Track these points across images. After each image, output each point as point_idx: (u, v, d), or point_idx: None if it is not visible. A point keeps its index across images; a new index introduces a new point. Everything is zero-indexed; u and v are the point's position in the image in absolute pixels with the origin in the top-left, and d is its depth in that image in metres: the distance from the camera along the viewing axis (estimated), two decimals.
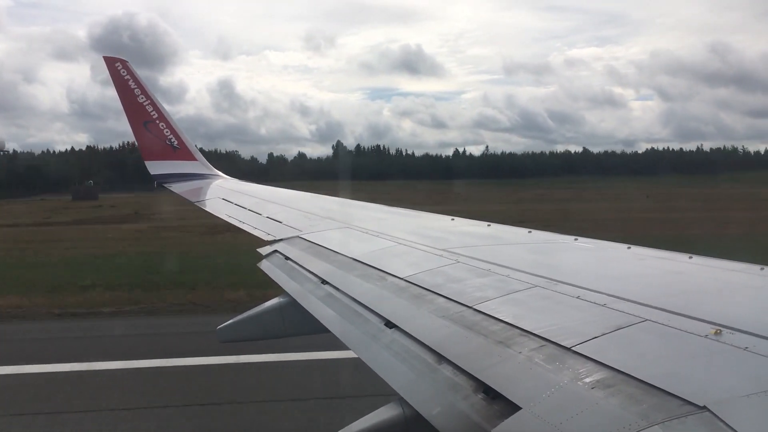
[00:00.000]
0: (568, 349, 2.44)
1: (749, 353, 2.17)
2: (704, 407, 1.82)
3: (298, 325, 4.74)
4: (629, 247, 4.29)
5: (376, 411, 2.95)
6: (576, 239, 4.72)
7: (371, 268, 4.36)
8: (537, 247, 4.80)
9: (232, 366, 12.08)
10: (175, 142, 12.22)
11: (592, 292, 3.05)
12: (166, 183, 12.08)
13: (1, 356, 13.12)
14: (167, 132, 12.15)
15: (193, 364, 12.39)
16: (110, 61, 11.83)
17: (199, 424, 9.90)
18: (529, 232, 5.21)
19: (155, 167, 12.11)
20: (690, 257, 3.84)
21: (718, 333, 2.34)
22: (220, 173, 12.99)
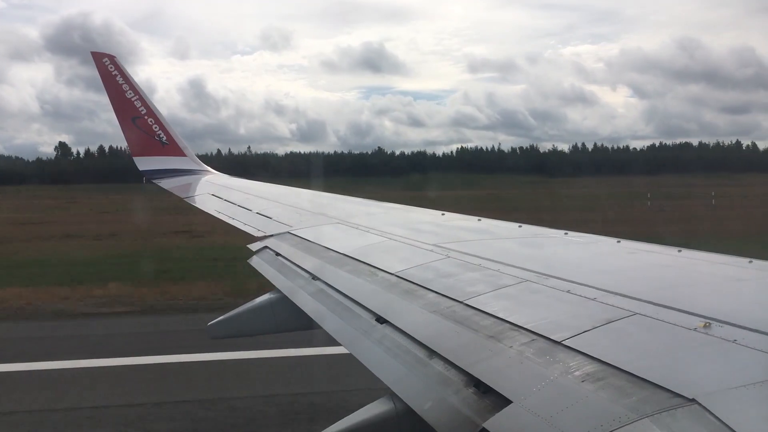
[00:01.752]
0: (559, 342, 2.45)
1: (738, 345, 2.18)
2: (693, 400, 1.83)
3: (289, 322, 4.73)
4: (619, 241, 4.31)
5: (368, 406, 2.94)
6: (566, 233, 4.74)
7: (362, 264, 4.35)
8: (527, 241, 4.81)
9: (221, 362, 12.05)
10: (164, 138, 12.11)
11: (582, 286, 3.06)
12: (154, 179, 11.99)
13: None
14: (156, 127, 12.03)
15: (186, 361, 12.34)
16: (98, 57, 11.70)
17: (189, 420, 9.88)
18: (520, 226, 5.22)
19: (144, 163, 12.01)
20: (679, 251, 3.86)
21: (707, 326, 2.35)
22: (210, 168, 12.90)
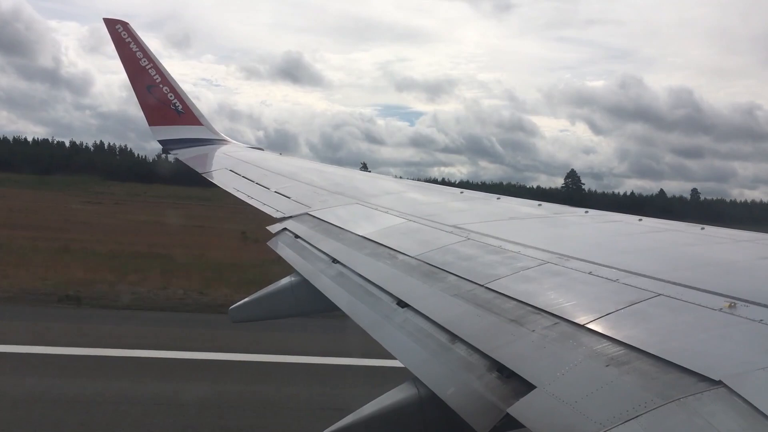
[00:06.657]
0: (582, 326, 2.43)
1: (764, 326, 2.15)
2: (720, 382, 1.82)
3: (310, 305, 4.73)
4: (640, 219, 4.26)
5: (390, 391, 2.95)
6: (586, 212, 4.69)
7: (381, 246, 4.34)
8: (547, 220, 4.76)
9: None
10: (180, 107, 11.77)
11: (604, 267, 3.03)
12: (171, 149, 11.77)
13: None
14: (171, 96, 11.69)
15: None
16: (110, 23, 11.39)
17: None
18: (539, 204, 5.18)
19: (160, 133, 11.68)
20: (702, 228, 3.80)
21: (732, 306, 2.33)
22: (227, 138, 12.47)
